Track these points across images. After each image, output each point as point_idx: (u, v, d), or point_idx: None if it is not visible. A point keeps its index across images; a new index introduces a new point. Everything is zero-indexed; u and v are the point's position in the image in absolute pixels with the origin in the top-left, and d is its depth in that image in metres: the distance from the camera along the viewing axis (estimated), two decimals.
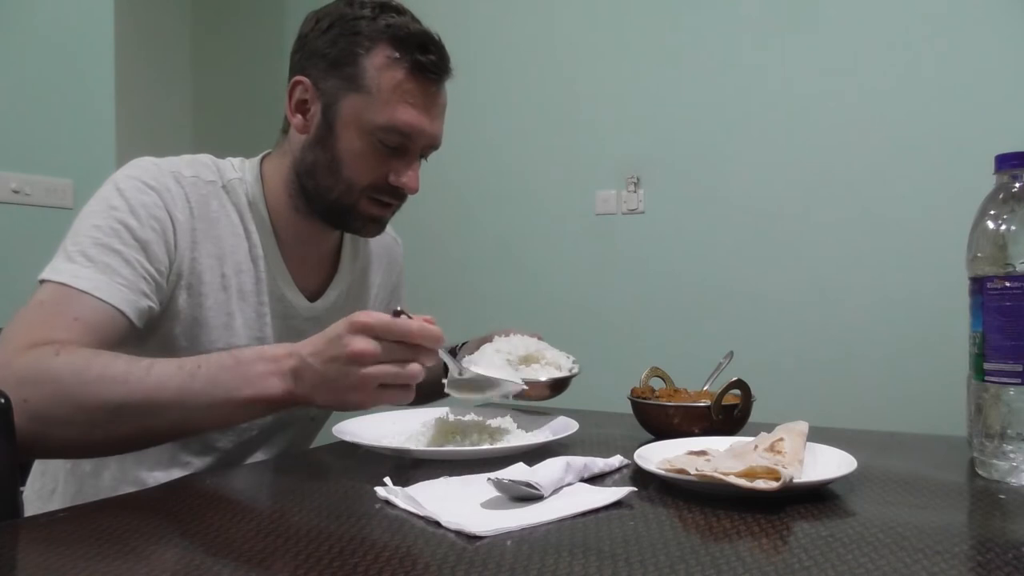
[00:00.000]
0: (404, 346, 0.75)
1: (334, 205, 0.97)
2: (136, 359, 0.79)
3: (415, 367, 0.76)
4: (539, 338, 1.07)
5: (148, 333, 0.91)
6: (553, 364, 1.02)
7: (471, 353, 1.04)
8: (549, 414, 1.03)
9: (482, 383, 0.92)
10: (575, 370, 1.02)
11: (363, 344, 0.73)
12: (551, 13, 2.73)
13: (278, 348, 0.79)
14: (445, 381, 0.91)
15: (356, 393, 0.75)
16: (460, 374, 0.90)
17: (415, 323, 0.75)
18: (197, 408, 0.77)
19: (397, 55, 0.93)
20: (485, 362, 1.01)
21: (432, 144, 0.99)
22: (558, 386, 1.01)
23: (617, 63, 2.59)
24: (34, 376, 0.75)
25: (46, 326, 0.80)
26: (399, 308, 0.78)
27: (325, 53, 0.94)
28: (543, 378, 0.99)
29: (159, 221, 0.89)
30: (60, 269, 0.83)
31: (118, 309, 0.84)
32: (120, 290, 0.84)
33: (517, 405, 1.07)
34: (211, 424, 0.84)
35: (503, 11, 2.84)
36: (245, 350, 0.81)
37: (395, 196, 0.98)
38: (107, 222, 0.87)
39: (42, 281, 0.84)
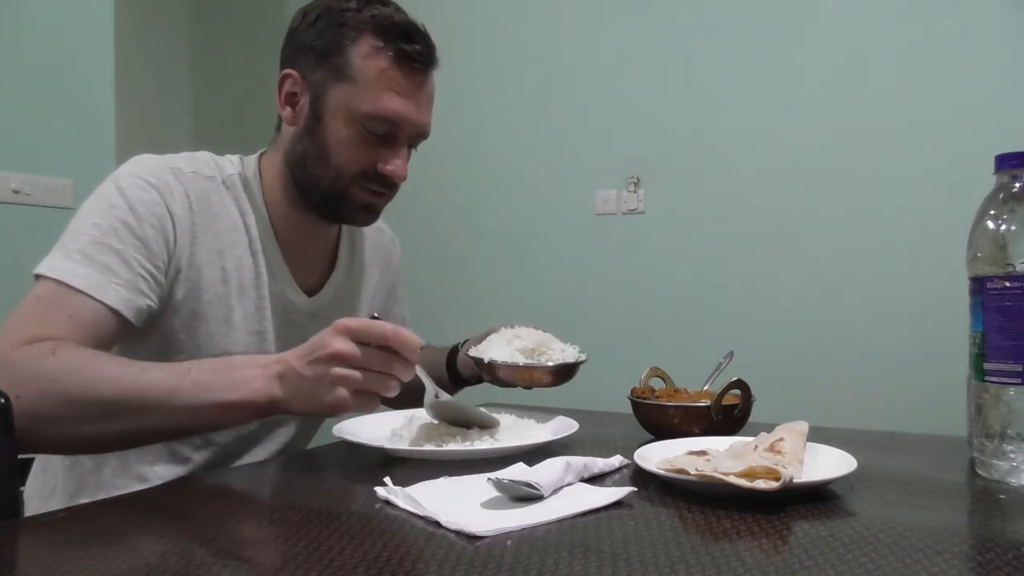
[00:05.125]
0: (383, 354, 0.76)
1: (325, 194, 0.98)
2: (130, 362, 0.80)
3: (389, 379, 0.77)
4: (541, 330, 1.07)
5: (149, 328, 0.92)
6: (560, 354, 1.03)
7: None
8: (549, 414, 1.03)
9: (459, 410, 0.94)
10: (582, 357, 1.03)
11: (343, 345, 0.74)
12: (552, 13, 2.73)
13: (270, 356, 0.81)
14: (424, 402, 0.93)
15: (330, 394, 0.75)
16: (437, 396, 0.92)
17: (389, 326, 0.76)
18: (184, 409, 0.78)
19: (381, 44, 0.94)
20: (493, 350, 1.01)
21: (420, 133, 0.99)
22: (566, 372, 1.02)
23: (617, 63, 2.59)
24: (29, 372, 0.76)
25: (41, 322, 0.81)
26: (375, 314, 0.81)
27: (312, 45, 0.96)
28: (551, 363, 1.00)
29: (158, 218, 0.90)
30: (57, 267, 0.84)
31: (112, 309, 0.84)
32: (116, 290, 0.85)
33: (521, 398, 1.08)
34: (198, 426, 0.85)
35: (504, 11, 2.84)
36: (238, 356, 0.83)
37: (384, 185, 0.99)
38: (107, 220, 0.87)
39: (39, 276, 0.84)
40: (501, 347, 1.02)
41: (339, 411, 0.78)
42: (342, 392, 0.75)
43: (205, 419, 0.81)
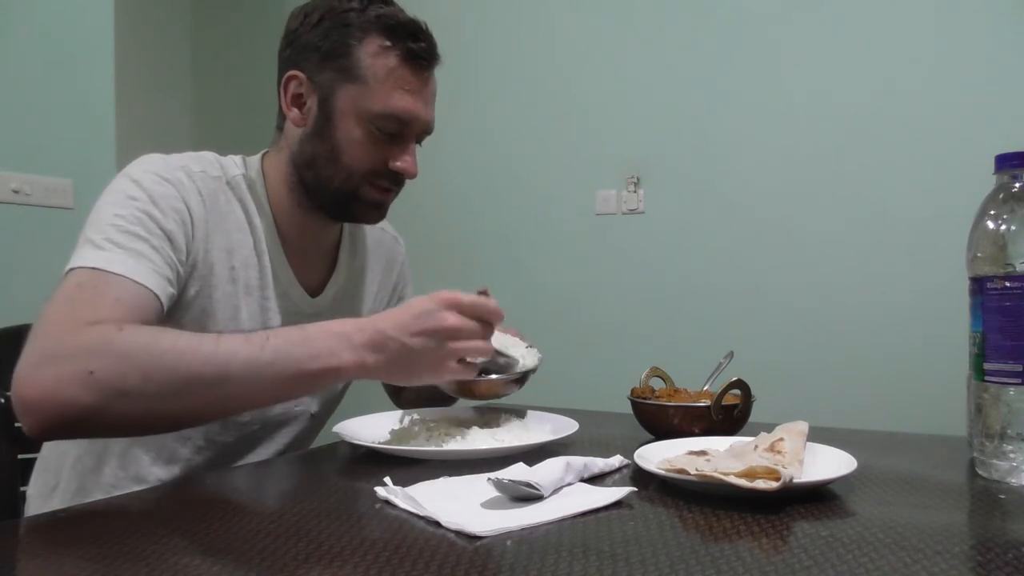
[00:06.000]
0: (480, 325, 0.83)
1: (336, 194, 0.98)
2: (202, 334, 0.80)
3: (489, 344, 0.85)
4: (515, 334, 1.04)
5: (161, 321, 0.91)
6: (520, 362, 0.99)
7: None
8: (549, 414, 1.03)
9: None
10: (529, 366, 0.99)
11: (456, 320, 0.81)
12: (552, 13, 2.73)
13: (344, 323, 0.83)
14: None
15: (437, 366, 0.82)
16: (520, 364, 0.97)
17: (490, 303, 0.84)
18: (264, 379, 0.78)
19: (389, 44, 0.95)
20: None
21: (426, 130, 1.01)
22: (517, 382, 0.98)
23: (617, 63, 2.59)
24: (102, 347, 0.74)
25: (91, 306, 0.79)
26: (482, 289, 0.87)
27: (318, 46, 0.96)
28: (493, 376, 0.97)
29: (179, 212, 0.90)
30: (89, 257, 0.82)
31: (152, 292, 0.83)
32: (152, 274, 0.84)
33: (522, 398, 1.07)
34: (277, 396, 0.85)
35: (504, 11, 2.84)
36: (310, 325, 0.83)
37: (394, 181, 1.00)
38: (130, 211, 0.86)
39: (70, 271, 0.82)
40: None
41: (443, 379, 0.85)
42: (453, 364, 0.82)
43: (286, 389, 0.81)
